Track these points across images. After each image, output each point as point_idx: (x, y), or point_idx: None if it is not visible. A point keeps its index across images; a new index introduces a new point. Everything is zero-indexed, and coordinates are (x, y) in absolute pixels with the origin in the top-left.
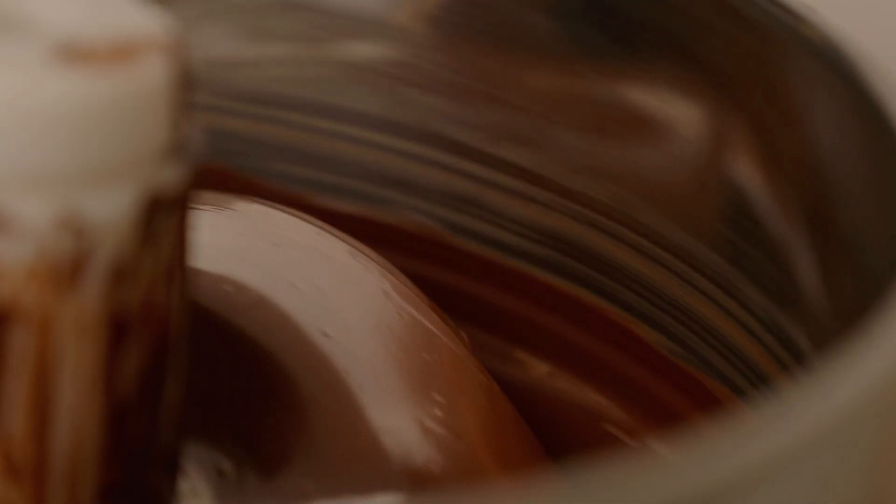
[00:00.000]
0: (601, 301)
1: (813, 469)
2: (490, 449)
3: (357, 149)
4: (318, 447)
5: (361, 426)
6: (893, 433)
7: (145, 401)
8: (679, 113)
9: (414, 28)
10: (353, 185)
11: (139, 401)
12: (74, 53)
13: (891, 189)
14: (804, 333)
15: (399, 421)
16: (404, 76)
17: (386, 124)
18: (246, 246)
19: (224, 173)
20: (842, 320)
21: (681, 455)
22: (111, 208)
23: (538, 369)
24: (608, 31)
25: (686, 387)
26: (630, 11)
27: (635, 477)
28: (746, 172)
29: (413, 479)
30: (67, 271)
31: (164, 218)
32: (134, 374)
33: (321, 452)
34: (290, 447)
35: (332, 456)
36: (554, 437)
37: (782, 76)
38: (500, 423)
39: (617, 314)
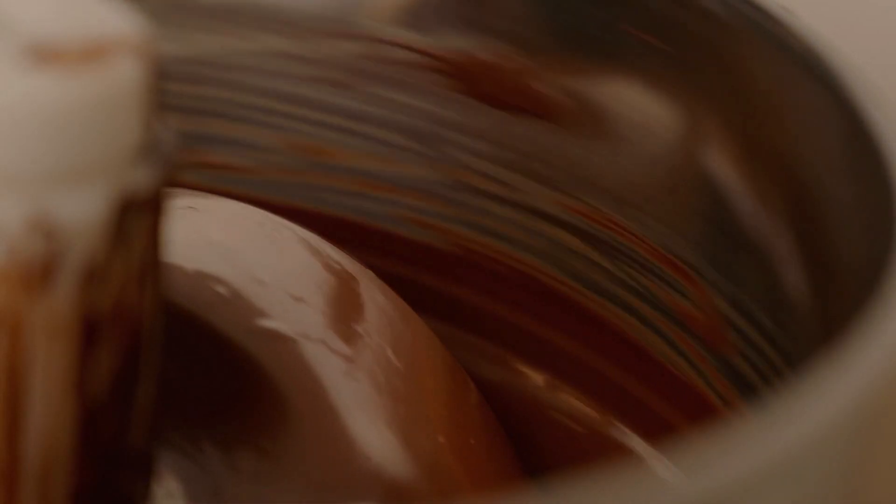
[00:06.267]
0: (582, 303)
1: (800, 478)
2: (463, 460)
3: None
4: (292, 453)
5: (335, 432)
6: (880, 438)
7: (117, 402)
8: (654, 112)
9: (387, 21)
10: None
11: (111, 403)
12: (45, 53)
13: (871, 187)
14: (790, 341)
15: (373, 428)
16: (372, 71)
17: (355, 119)
18: (220, 243)
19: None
20: (826, 325)
21: (665, 465)
22: (83, 210)
23: (521, 374)
24: (581, 29)
25: (674, 394)
26: (603, 9)
27: (625, 487)
28: (724, 172)
29: (385, 490)
30: (39, 273)
31: (135, 219)
32: (106, 376)
33: (294, 458)
34: (263, 450)
35: (306, 463)
36: (536, 445)
37: (756, 75)
38: (474, 433)
39: (597, 316)
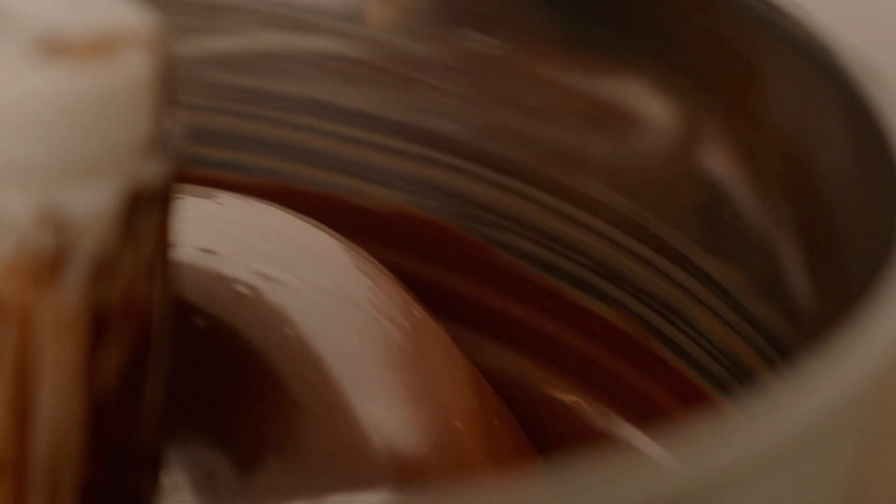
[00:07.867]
0: (583, 296)
1: (795, 467)
2: (477, 441)
3: (338, 143)
4: (302, 442)
5: (345, 420)
6: (876, 430)
7: (126, 397)
8: (659, 106)
9: (397, 20)
10: (339, 179)
11: (119, 397)
12: (55, 47)
13: (874, 181)
14: (788, 329)
15: (384, 414)
16: (386, 69)
17: (368, 118)
18: (228, 238)
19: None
20: (826, 315)
21: (665, 452)
22: (92, 203)
23: (521, 365)
24: (587, 25)
25: (670, 382)
26: (609, 5)
27: (621, 473)
28: (728, 166)
29: (399, 473)
30: (48, 266)
31: (145, 213)
32: (114, 370)
33: (305, 447)
34: (273, 442)
35: (317, 451)
36: (537, 433)
37: (763, 70)
38: (486, 415)
39: (599, 309)
